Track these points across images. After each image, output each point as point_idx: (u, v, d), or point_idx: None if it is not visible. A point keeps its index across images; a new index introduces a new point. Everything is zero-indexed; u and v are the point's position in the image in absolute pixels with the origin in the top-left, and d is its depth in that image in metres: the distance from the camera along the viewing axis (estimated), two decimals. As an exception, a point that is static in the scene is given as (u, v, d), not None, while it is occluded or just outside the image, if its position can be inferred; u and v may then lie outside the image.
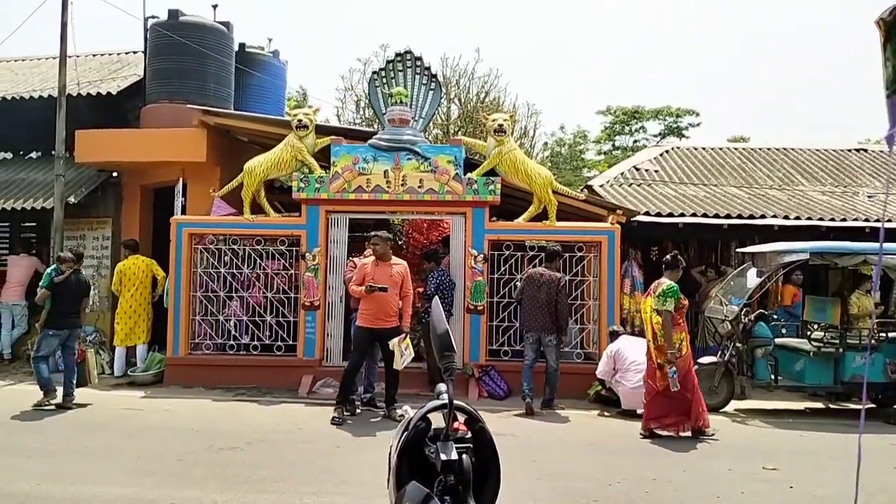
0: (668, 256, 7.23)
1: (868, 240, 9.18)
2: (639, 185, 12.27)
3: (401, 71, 9.26)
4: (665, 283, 6.83)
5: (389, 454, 2.39)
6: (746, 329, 8.15)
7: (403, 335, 6.97)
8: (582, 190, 11.77)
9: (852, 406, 8.55)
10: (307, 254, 8.79)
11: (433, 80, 9.35)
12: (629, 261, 9.93)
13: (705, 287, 10.47)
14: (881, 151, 15.02)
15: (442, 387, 2.35)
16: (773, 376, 8.06)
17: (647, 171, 13.11)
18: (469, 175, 8.81)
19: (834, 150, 14.55)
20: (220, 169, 9.99)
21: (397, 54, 9.37)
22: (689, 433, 6.71)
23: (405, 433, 2.38)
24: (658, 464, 5.82)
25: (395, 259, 7.34)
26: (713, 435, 6.74)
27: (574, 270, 8.81)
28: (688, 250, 11.68)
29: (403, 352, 6.84)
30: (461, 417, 2.36)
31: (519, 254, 8.96)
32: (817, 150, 14.61)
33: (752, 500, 4.98)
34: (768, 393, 8.64)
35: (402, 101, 8.91)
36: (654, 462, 5.88)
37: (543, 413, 7.68)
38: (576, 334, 8.93)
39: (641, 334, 7.91)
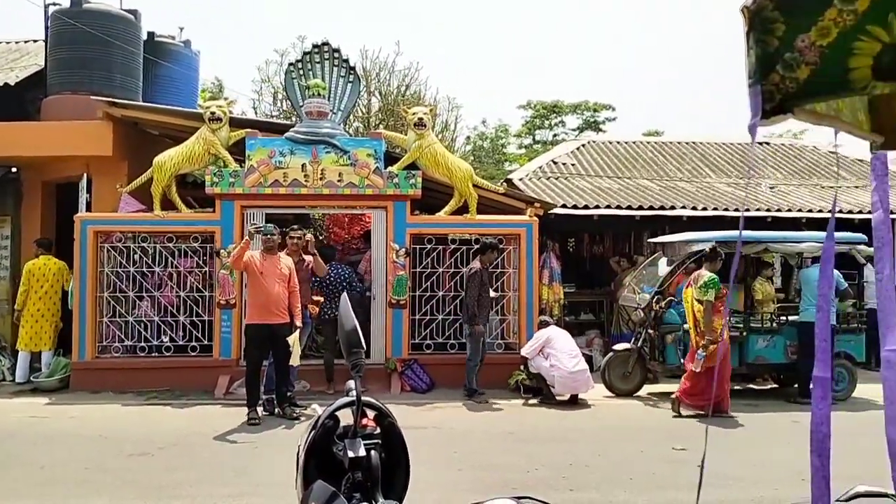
0: (707, 249, 7.54)
1: (770, 229, 9.68)
2: (556, 179, 12.53)
3: (318, 63, 9.10)
4: (706, 274, 7.22)
5: (297, 453, 2.35)
6: (657, 316, 8.46)
7: (297, 331, 7.00)
8: (502, 183, 11.92)
9: (755, 387, 9.04)
10: (222, 250, 8.53)
11: (352, 72, 9.25)
12: (547, 252, 10.16)
13: (619, 276, 10.81)
14: (782, 144, 15.89)
15: (351, 383, 2.34)
16: (682, 361, 8.39)
17: (564, 164, 13.40)
18: (390, 169, 8.77)
19: (739, 144, 15.25)
20: (127, 163, 9.56)
21: (314, 46, 9.20)
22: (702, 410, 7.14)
23: (313, 431, 2.36)
24: (575, 449, 5.98)
25: (281, 254, 7.33)
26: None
27: (494, 262, 8.92)
28: (603, 241, 12.03)
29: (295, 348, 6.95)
30: (370, 413, 2.34)
31: (441, 247, 9.00)
32: (724, 143, 15.29)
33: (662, 480, 5.19)
34: (678, 377, 8.99)
35: (319, 94, 8.77)
36: (571, 448, 6.05)
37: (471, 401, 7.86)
38: (496, 325, 9.06)
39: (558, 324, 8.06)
